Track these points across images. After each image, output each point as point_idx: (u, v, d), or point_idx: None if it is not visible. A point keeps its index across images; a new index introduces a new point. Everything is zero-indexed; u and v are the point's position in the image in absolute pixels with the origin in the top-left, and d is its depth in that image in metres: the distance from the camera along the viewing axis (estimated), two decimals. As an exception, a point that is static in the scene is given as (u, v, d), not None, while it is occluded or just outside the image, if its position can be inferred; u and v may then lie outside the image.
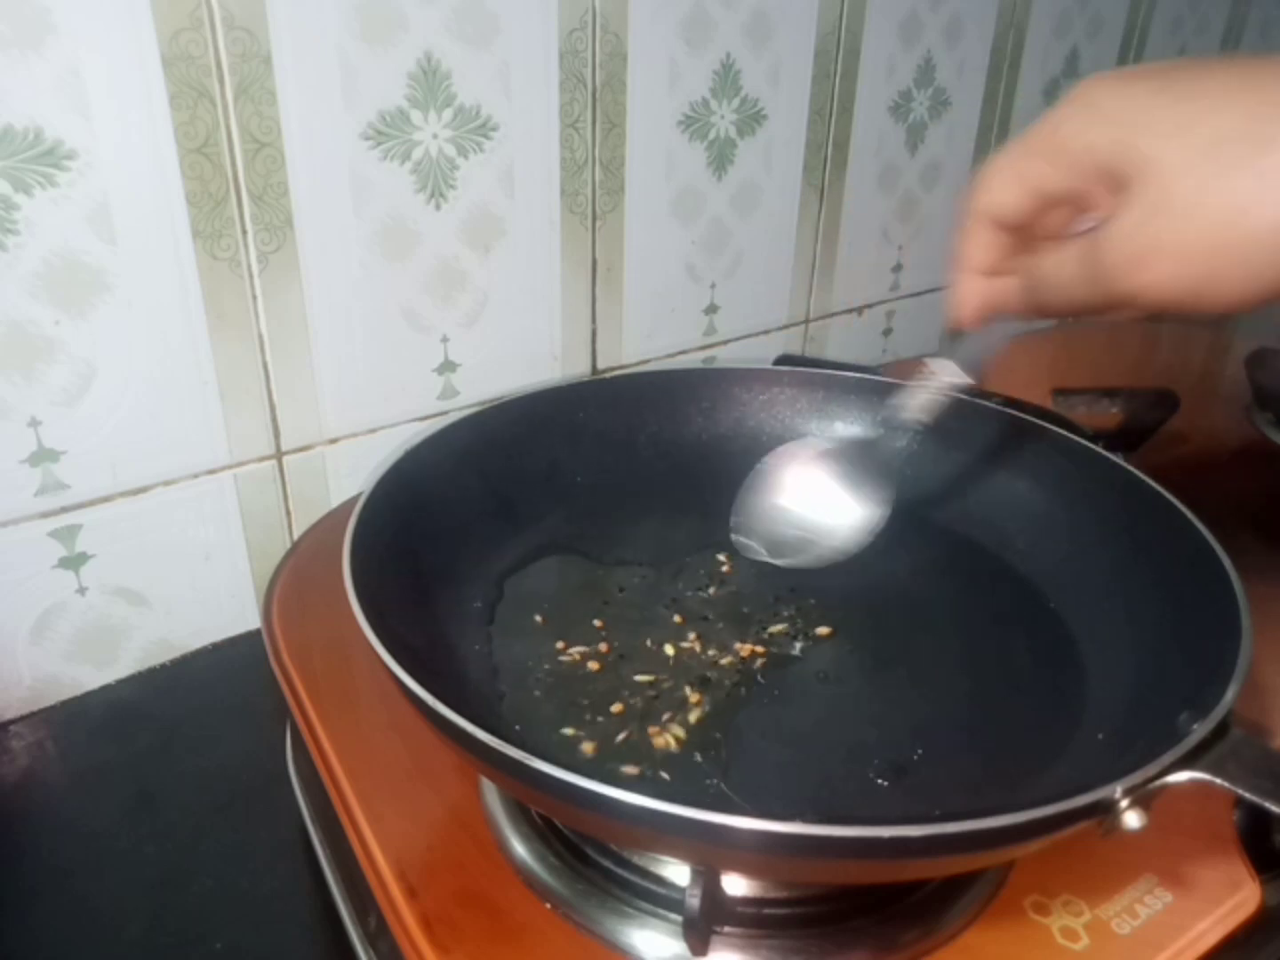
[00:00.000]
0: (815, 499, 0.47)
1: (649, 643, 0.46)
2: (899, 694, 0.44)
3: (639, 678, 0.44)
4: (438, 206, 0.58)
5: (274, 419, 0.57)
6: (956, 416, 0.56)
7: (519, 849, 0.40)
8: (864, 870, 0.34)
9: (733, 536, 0.48)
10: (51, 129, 0.46)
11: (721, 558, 0.52)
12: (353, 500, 0.45)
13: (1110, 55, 0.92)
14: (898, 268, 0.86)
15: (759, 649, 0.46)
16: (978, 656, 0.46)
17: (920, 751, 0.41)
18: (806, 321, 0.82)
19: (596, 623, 0.48)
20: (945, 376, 0.41)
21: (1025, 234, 0.36)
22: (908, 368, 0.76)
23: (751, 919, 0.37)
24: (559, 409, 0.56)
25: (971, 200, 0.36)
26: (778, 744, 0.41)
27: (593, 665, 0.45)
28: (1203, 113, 0.29)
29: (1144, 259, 0.30)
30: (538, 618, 0.48)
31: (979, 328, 0.39)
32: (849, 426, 0.59)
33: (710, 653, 0.46)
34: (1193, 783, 0.31)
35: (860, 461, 0.47)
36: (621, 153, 0.65)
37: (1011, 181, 0.35)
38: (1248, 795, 0.31)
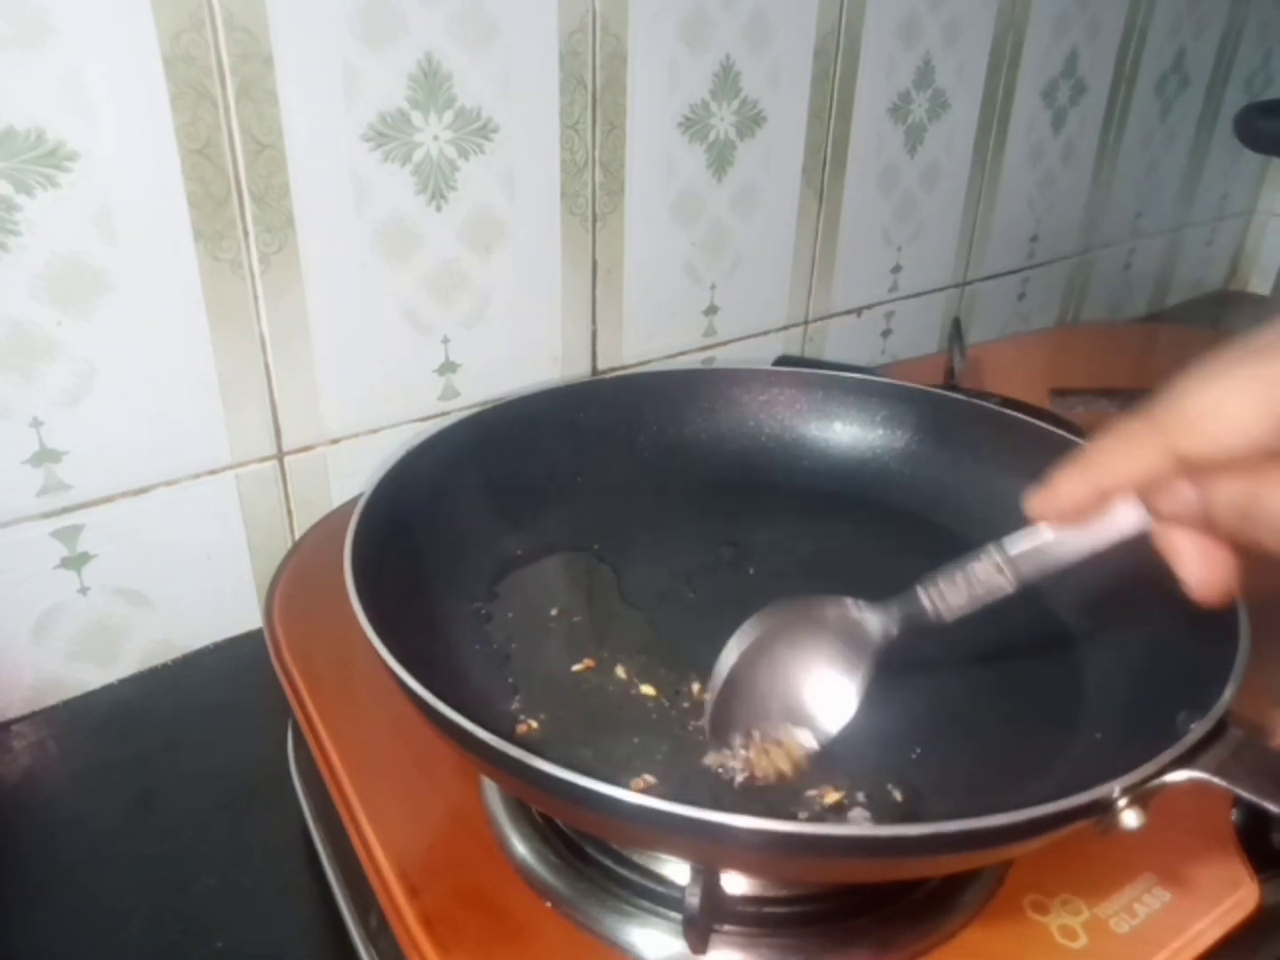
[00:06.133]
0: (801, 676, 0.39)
1: (648, 642, 0.46)
2: (897, 694, 0.44)
3: (638, 678, 0.44)
4: (438, 208, 0.58)
5: (275, 419, 0.57)
6: (955, 417, 0.57)
7: (519, 848, 0.40)
8: (863, 869, 0.35)
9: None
10: (53, 130, 0.46)
11: (721, 558, 0.52)
12: (354, 500, 0.45)
13: (1109, 57, 0.93)
14: (896, 269, 0.86)
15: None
16: (976, 656, 0.46)
17: (919, 751, 0.41)
18: (806, 323, 0.82)
19: (596, 623, 0.48)
20: (985, 573, 0.35)
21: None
22: (906, 369, 0.76)
23: (751, 917, 0.37)
24: (559, 409, 0.56)
25: (1169, 423, 0.27)
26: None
27: (590, 663, 0.45)
28: None
29: None
30: (537, 618, 0.48)
31: (1057, 527, 0.32)
32: (847, 427, 0.59)
33: (709, 655, 0.46)
34: (1191, 782, 0.31)
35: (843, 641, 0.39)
36: (621, 154, 0.65)
37: (1256, 420, 0.25)
38: (1246, 795, 0.31)
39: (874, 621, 0.38)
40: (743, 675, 0.38)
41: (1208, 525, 0.28)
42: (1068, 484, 0.30)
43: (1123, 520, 0.30)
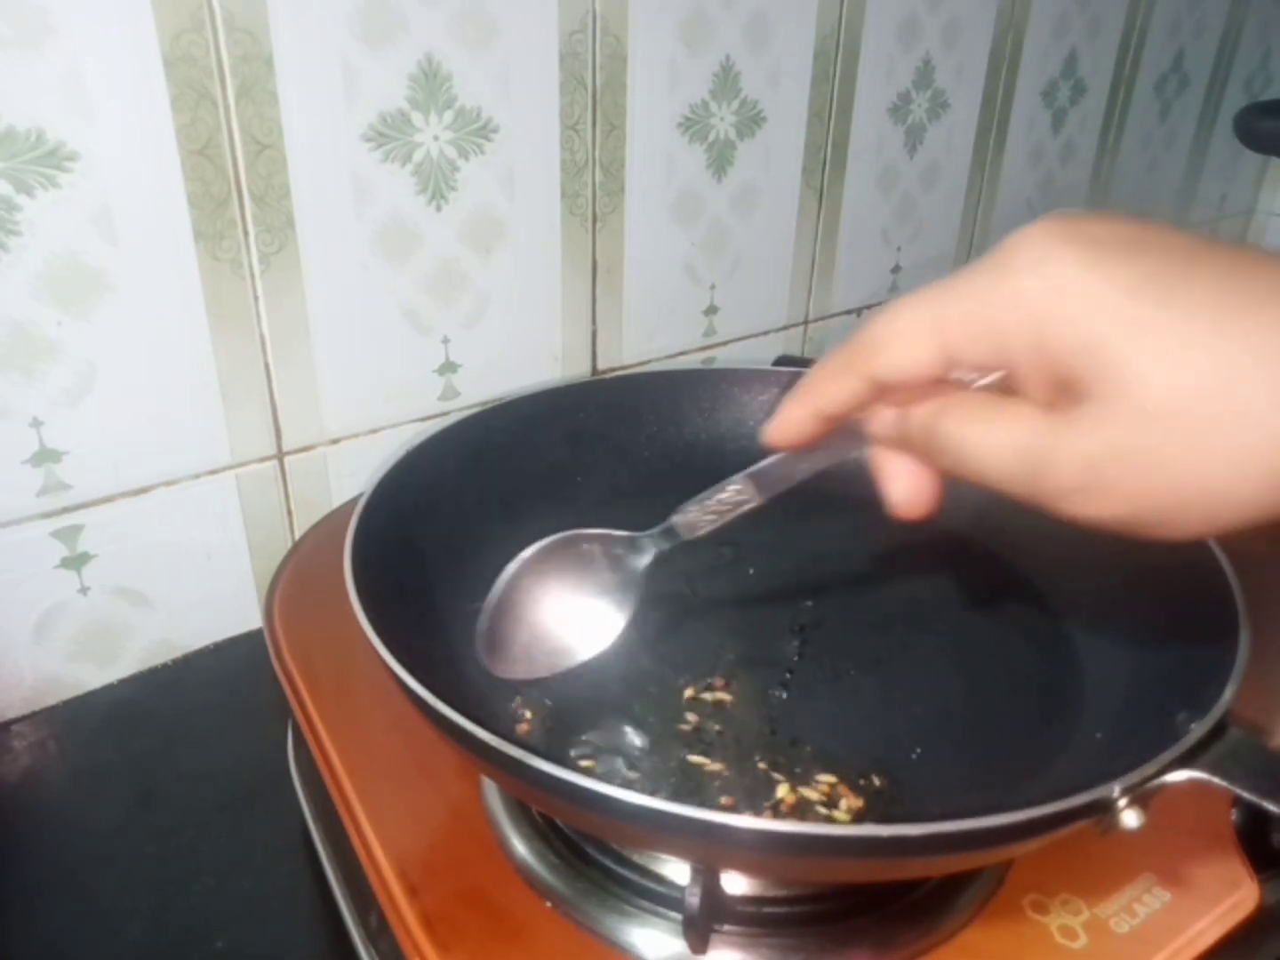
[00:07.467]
0: (564, 606, 0.42)
1: (648, 642, 0.46)
2: (898, 693, 0.44)
3: (638, 677, 0.44)
4: (438, 208, 0.58)
5: (275, 419, 0.57)
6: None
7: (519, 848, 0.40)
8: (863, 869, 0.35)
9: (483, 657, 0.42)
10: (54, 130, 0.46)
11: (721, 558, 0.52)
12: (354, 500, 0.45)
13: (1109, 57, 0.93)
14: (896, 269, 0.86)
15: (757, 650, 0.46)
16: (976, 656, 0.47)
17: (919, 750, 0.41)
18: (806, 323, 0.82)
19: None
20: (729, 492, 0.37)
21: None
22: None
23: (751, 917, 0.37)
24: (559, 409, 0.56)
25: (859, 351, 0.29)
26: (776, 743, 0.41)
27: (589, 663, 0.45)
28: (1203, 333, 0.23)
29: (1099, 493, 0.25)
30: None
31: (792, 453, 0.34)
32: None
33: (709, 654, 0.46)
34: (1191, 782, 0.31)
35: (607, 566, 0.42)
36: (621, 154, 0.65)
37: (923, 346, 0.27)
38: (1246, 795, 0.31)
39: (634, 549, 0.41)
40: (516, 600, 0.41)
41: (901, 445, 0.31)
42: (789, 412, 0.32)
43: (843, 441, 0.33)
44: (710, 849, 0.33)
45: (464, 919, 0.37)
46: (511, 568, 0.41)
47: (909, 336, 0.28)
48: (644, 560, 0.41)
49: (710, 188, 0.70)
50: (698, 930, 0.35)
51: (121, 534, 0.55)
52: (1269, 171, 1.20)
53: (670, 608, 0.49)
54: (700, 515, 0.38)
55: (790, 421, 0.32)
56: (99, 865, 0.46)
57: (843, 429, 0.32)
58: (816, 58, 0.71)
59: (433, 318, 0.61)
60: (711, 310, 0.75)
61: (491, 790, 0.42)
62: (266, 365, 0.56)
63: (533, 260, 0.64)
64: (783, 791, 0.39)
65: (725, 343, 0.77)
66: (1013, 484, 0.27)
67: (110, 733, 0.54)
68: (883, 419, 0.31)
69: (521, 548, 0.52)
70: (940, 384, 0.28)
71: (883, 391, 0.29)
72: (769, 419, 0.33)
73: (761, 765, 0.40)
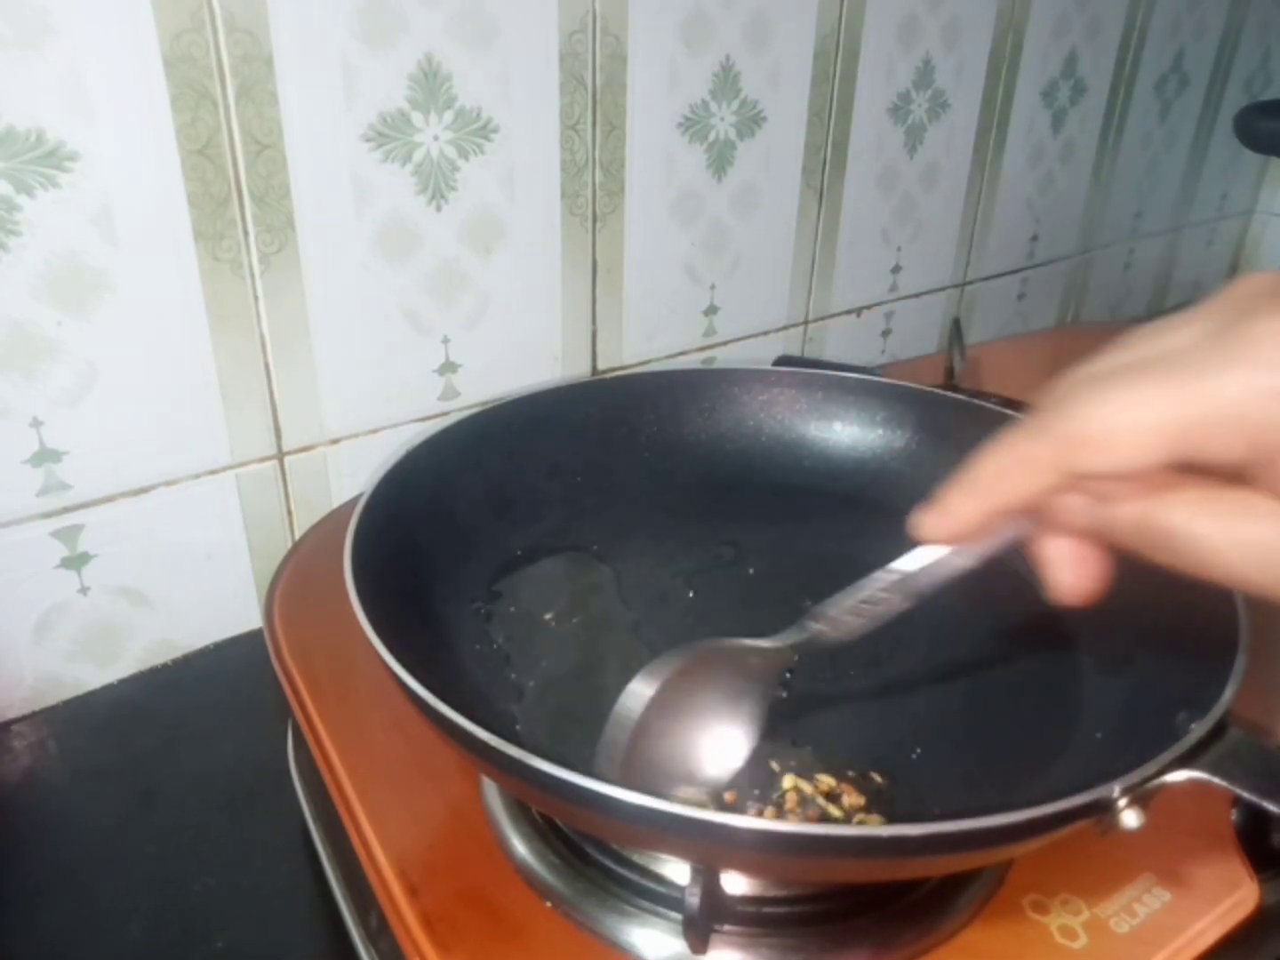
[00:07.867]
0: (701, 727, 0.38)
1: (648, 642, 0.46)
2: (898, 693, 0.44)
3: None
4: (439, 208, 0.58)
5: (275, 419, 0.57)
6: (954, 418, 0.57)
7: (520, 848, 0.40)
8: (863, 869, 0.35)
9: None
10: (54, 130, 0.46)
11: (721, 558, 0.52)
12: (354, 500, 0.45)
13: (1109, 57, 0.93)
14: (896, 269, 0.86)
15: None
16: (976, 656, 0.47)
17: (919, 750, 0.41)
18: (806, 323, 0.82)
19: (596, 623, 0.48)
20: (876, 593, 0.34)
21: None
22: (906, 369, 0.76)
23: (751, 917, 0.37)
24: (559, 409, 0.56)
25: (1062, 444, 0.26)
26: (776, 743, 0.41)
27: (590, 663, 0.45)
28: None
29: None
30: (537, 618, 0.48)
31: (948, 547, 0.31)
32: (847, 427, 0.59)
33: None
34: (1191, 782, 0.31)
35: (741, 678, 0.39)
36: (621, 154, 0.65)
37: (1156, 445, 0.24)
38: (1246, 795, 0.31)
39: (770, 660, 0.38)
40: (650, 722, 0.35)
41: (1094, 535, 0.28)
42: (959, 505, 0.29)
43: (1010, 531, 0.30)
44: (710, 849, 0.33)
45: (464, 919, 0.37)
46: (646, 690, 0.35)
47: (1139, 435, 0.24)
48: (778, 670, 0.39)
49: (710, 188, 0.70)
50: (698, 930, 0.34)
51: (121, 534, 0.55)
52: (1269, 171, 1.21)
53: (670, 608, 0.49)
54: (842, 617, 0.35)
55: (958, 517, 0.29)
56: (99, 865, 0.46)
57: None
58: (816, 58, 0.71)
59: (433, 318, 0.61)
60: (711, 310, 0.75)
61: (491, 790, 0.42)
62: (266, 365, 0.56)
63: (533, 260, 0.64)
64: (788, 783, 0.39)
65: (725, 343, 0.77)
66: (1270, 586, 0.24)
67: (110, 733, 0.54)
68: (1073, 507, 0.27)
69: (521, 548, 0.52)
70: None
71: (1082, 484, 0.26)
72: (925, 509, 0.30)
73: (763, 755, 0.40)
